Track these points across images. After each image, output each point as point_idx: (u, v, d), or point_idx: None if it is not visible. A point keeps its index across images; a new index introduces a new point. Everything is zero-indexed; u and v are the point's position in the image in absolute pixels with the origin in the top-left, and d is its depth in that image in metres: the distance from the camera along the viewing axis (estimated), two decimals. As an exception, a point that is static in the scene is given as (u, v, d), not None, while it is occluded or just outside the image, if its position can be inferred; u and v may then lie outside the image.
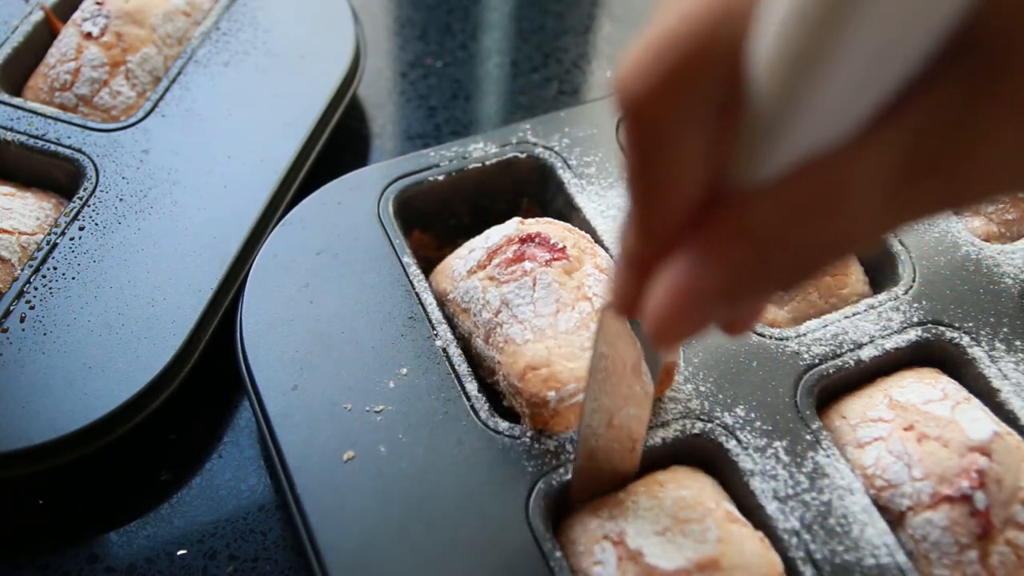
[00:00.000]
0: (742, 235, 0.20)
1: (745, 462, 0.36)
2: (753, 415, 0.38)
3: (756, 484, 0.36)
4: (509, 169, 0.47)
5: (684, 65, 0.19)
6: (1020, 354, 0.40)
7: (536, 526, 0.34)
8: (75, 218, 0.45)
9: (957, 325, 0.41)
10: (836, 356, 0.40)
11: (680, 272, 0.21)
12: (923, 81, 0.18)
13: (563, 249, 0.39)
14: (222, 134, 0.49)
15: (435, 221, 0.47)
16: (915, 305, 0.42)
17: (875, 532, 0.35)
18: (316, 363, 0.38)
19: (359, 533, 0.33)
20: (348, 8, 0.56)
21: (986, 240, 0.46)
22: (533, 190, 0.48)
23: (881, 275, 0.45)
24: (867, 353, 0.40)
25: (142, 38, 0.50)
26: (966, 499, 0.35)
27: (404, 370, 0.38)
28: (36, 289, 0.42)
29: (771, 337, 0.40)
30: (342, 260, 0.42)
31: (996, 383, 0.39)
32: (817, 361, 0.39)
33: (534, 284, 0.37)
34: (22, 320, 0.41)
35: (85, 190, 0.46)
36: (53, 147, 0.47)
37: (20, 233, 0.44)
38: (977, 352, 0.40)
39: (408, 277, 0.41)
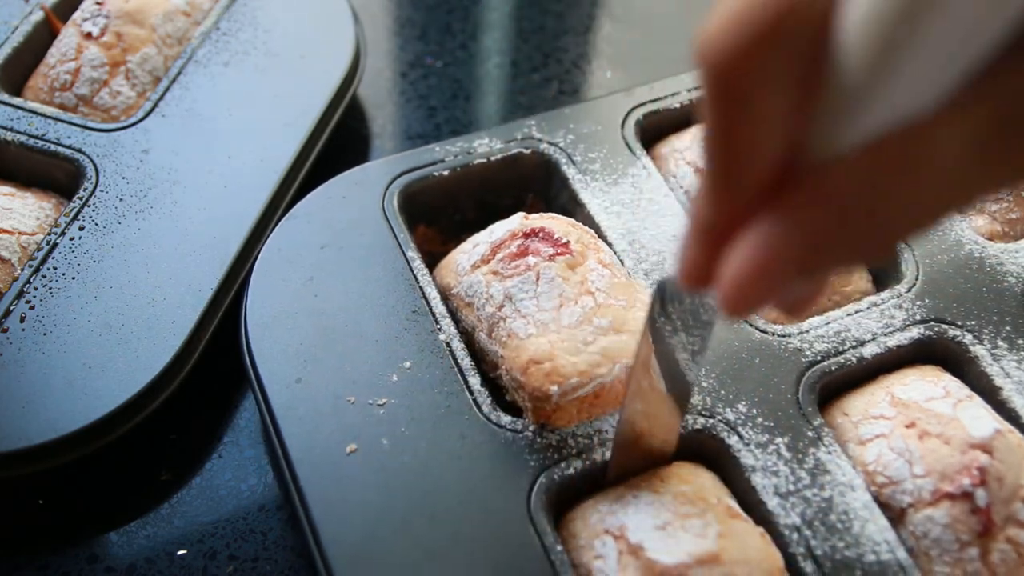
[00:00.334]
0: (823, 201, 0.21)
1: (747, 458, 0.37)
2: (755, 411, 0.39)
3: (757, 480, 0.37)
4: (514, 165, 0.49)
5: (772, 28, 0.19)
6: (1022, 352, 0.42)
7: (538, 520, 0.35)
8: (75, 218, 0.46)
9: (960, 323, 0.42)
10: (838, 353, 0.41)
11: (760, 238, 0.21)
12: (1010, 54, 0.19)
13: (567, 244, 0.40)
14: (222, 134, 0.50)
15: (440, 216, 0.49)
16: (918, 303, 0.43)
17: (876, 529, 0.36)
18: (320, 356, 0.40)
19: (361, 526, 0.35)
20: (348, 8, 0.57)
21: (990, 239, 0.47)
22: (538, 186, 0.50)
23: (884, 273, 0.46)
24: (869, 350, 0.41)
25: (142, 38, 0.52)
26: (967, 496, 0.36)
27: (407, 364, 0.39)
28: (36, 289, 0.43)
29: (773, 334, 0.41)
30: (347, 254, 0.43)
31: (998, 381, 0.41)
32: (819, 358, 0.41)
33: (537, 279, 0.39)
34: (22, 320, 0.42)
35: (85, 190, 0.47)
36: (53, 147, 0.48)
37: (20, 233, 0.45)
38: (979, 350, 0.42)
39: (412, 271, 0.43)
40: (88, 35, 0.51)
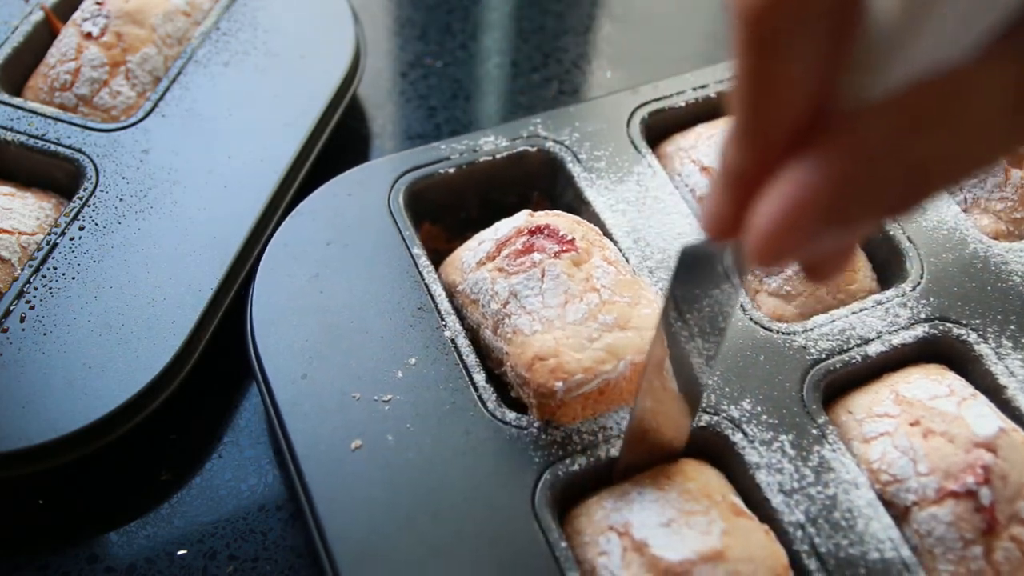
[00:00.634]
0: (855, 149, 0.21)
1: (751, 455, 0.38)
2: (759, 409, 0.40)
3: (762, 477, 0.38)
4: (519, 163, 0.50)
5: None
6: (1027, 350, 0.42)
7: (542, 516, 0.36)
8: (75, 218, 0.47)
9: (964, 322, 0.43)
10: (843, 351, 0.42)
11: (791, 184, 0.21)
12: None
13: (572, 241, 0.41)
14: (222, 134, 0.51)
15: (445, 214, 0.50)
16: (922, 302, 0.44)
17: (880, 526, 0.37)
18: (325, 352, 0.40)
19: (366, 522, 0.35)
20: (348, 8, 0.58)
21: (994, 238, 0.48)
22: (543, 184, 0.51)
23: (889, 272, 0.47)
24: (874, 349, 0.42)
25: (142, 38, 0.53)
26: (971, 495, 0.36)
27: (412, 360, 0.40)
28: (36, 289, 0.44)
29: (778, 331, 0.42)
30: (352, 251, 0.44)
31: (1003, 380, 0.41)
32: (824, 356, 0.41)
33: (542, 275, 0.40)
34: (22, 320, 0.43)
35: (85, 190, 0.48)
36: (53, 147, 0.49)
37: (20, 233, 0.46)
38: (984, 349, 0.42)
39: (417, 268, 0.44)
40: (88, 35, 0.52)
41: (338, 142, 0.56)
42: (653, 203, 0.47)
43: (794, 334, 0.42)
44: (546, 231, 0.42)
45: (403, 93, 0.63)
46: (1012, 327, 0.43)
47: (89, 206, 0.47)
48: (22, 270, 0.45)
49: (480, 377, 0.40)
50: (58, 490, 0.43)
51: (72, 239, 0.46)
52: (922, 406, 0.39)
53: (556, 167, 0.50)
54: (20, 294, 0.44)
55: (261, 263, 0.44)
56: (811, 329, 0.42)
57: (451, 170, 0.48)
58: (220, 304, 0.45)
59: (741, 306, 0.43)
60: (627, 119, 0.51)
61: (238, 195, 0.49)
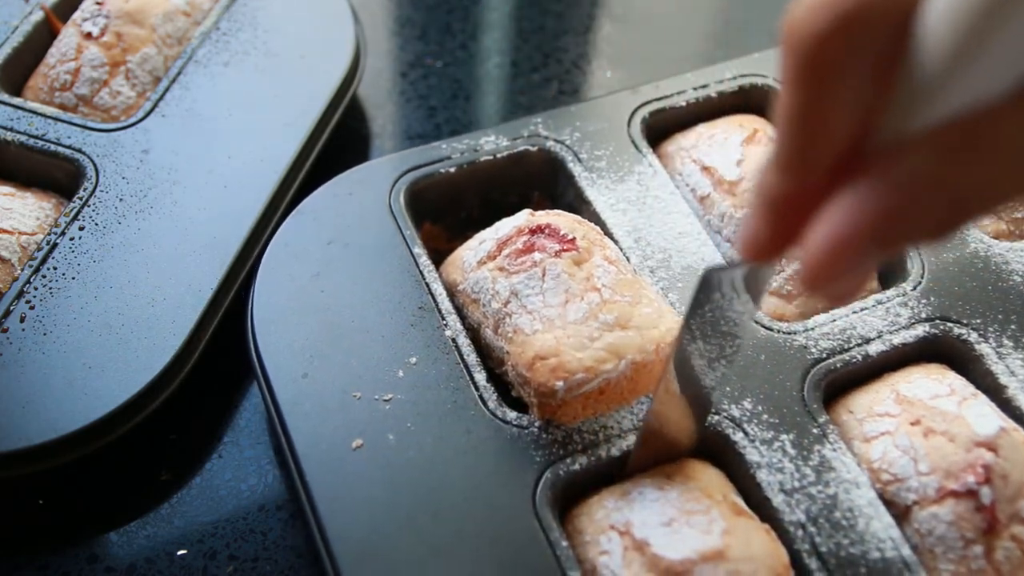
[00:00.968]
0: (903, 178, 0.22)
1: (752, 455, 0.38)
2: (760, 408, 0.40)
3: (763, 477, 0.38)
4: (520, 162, 0.50)
5: (859, 12, 0.22)
6: (1028, 350, 0.43)
7: (543, 516, 0.36)
8: (75, 218, 0.47)
9: (965, 321, 0.43)
10: (844, 351, 0.42)
11: (845, 211, 0.23)
12: None
13: (572, 240, 0.41)
14: (222, 134, 0.51)
15: (446, 213, 0.50)
16: (923, 301, 0.44)
17: (881, 526, 0.37)
18: (326, 352, 0.41)
19: (367, 521, 0.36)
20: (348, 8, 0.58)
21: (995, 238, 0.48)
22: (544, 183, 0.51)
23: (890, 271, 0.47)
24: (875, 348, 0.42)
25: (142, 38, 0.53)
26: (972, 494, 0.37)
27: (413, 359, 0.41)
28: (36, 289, 0.44)
29: (779, 331, 0.42)
30: (353, 250, 0.45)
31: (1003, 379, 0.42)
32: (825, 355, 0.42)
33: (543, 275, 0.40)
34: (22, 320, 0.43)
35: (85, 190, 0.48)
36: (53, 147, 0.49)
37: (20, 233, 0.46)
38: (985, 348, 0.43)
39: (418, 267, 0.44)
40: (88, 35, 0.53)
41: (338, 142, 0.56)
42: (654, 203, 0.48)
43: (795, 333, 0.42)
44: (547, 230, 0.42)
45: (403, 93, 0.63)
46: (1013, 327, 0.43)
47: (89, 206, 0.48)
48: (22, 270, 0.45)
49: (481, 376, 0.40)
50: (58, 490, 0.44)
51: (72, 239, 0.46)
52: (923, 405, 0.40)
53: (557, 166, 0.50)
54: (20, 294, 0.44)
55: (262, 262, 0.44)
56: (812, 328, 0.43)
57: (452, 169, 0.48)
58: (220, 304, 0.46)
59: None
60: (628, 118, 0.51)
61: (238, 195, 0.49)
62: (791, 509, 0.37)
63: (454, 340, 0.41)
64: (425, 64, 0.65)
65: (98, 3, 0.53)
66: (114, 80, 0.52)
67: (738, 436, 0.39)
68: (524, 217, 0.44)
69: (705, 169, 0.49)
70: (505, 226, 0.43)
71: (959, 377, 0.42)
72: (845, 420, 0.41)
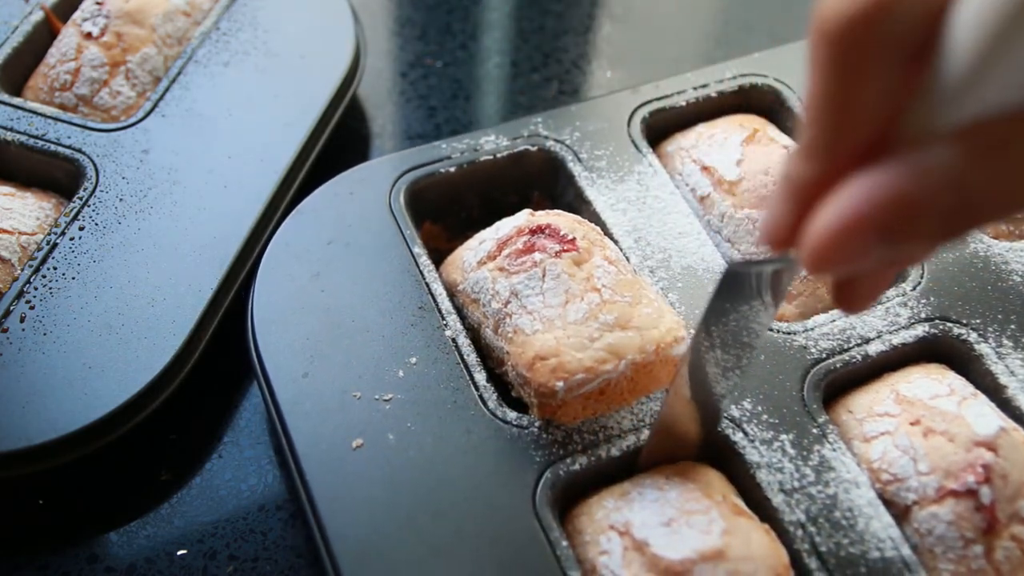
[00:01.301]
0: (918, 172, 0.22)
1: (751, 455, 0.39)
2: (760, 408, 0.40)
3: (762, 476, 0.38)
4: (520, 162, 0.50)
5: (891, 4, 0.22)
6: (1027, 350, 0.43)
7: (543, 516, 0.36)
8: (75, 218, 0.47)
9: (965, 321, 0.44)
10: (843, 351, 0.42)
11: (853, 196, 0.23)
12: None
13: (573, 240, 0.41)
14: (222, 134, 0.51)
15: (446, 213, 0.50)
16: (923, 301, 0.44)
17: (880, 526, 0.37)
18: (326, 351, 0.41)
19: (367, 521, 0.36)
20: (348, 8, 0.58)
21: (995, 238, 0.48)
22: (544, 183, 0.51)
23: (889, 272, 0.47)
24: (874, 348, 0.42)
25: (142, 38, 0.53)
26: (971, 494, 0.37)
27: (413, 359, 0.41)
28: (36, 289, 0.44)
29: (779, 331, 0.43)
30: (353, 250, 0.45)
31: (1003, 379, 0.42)
32: (824, 355, 0.42)
33: (543, 275, 0.40)
34: (22, 320, 0.43)
35: (85, 190, 0.48)
36: (53, 147, 0.49)
37: (20, 233, 0.46)
38: (984, 348, 0.43)
39: (418, 267, 0.44)
40: (88, 35, 0.53)
41: (338, 142, 0.56)
42: (654, 202, 0.48)
43: (795, 334, 0.43)
44: (547, 230, 0.42)
45: (403, 93, 0.63)
46: (1012, 327, 0.43)
47: (89, 206, 0.48)
48: (22, 270, 0.45)
49: (481, 376, 0.40)
50: (58, 490, 0.44)
51: (72, 239, 0.46)
52: (922, 405, 0.40)
53: (557, 166, 0.50)
54: (20, 294, 0.44)
55: (262, 262, 0.44)
56: (811, 329, 0.43)
57: (452, 169, 0.49)
58: (220, 304, 0.46)
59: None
60: (628, 118, 0.51)
61: (238, 195, 0.49)
62: (791, 509, 0.37)
63: (454, 340, 0.42)
64: (425, 64, 0.65)
65: (98, 3, 0.53)
66: (114, 80, 0.52)
67: (738, 436, 0.39)
68: (524, 217, 0.44)
69: (705, 169, 0.49)
70: (505, 226, 0.43)
71: (959, 377, 0.42)
72: (845, 420, 0.41)
